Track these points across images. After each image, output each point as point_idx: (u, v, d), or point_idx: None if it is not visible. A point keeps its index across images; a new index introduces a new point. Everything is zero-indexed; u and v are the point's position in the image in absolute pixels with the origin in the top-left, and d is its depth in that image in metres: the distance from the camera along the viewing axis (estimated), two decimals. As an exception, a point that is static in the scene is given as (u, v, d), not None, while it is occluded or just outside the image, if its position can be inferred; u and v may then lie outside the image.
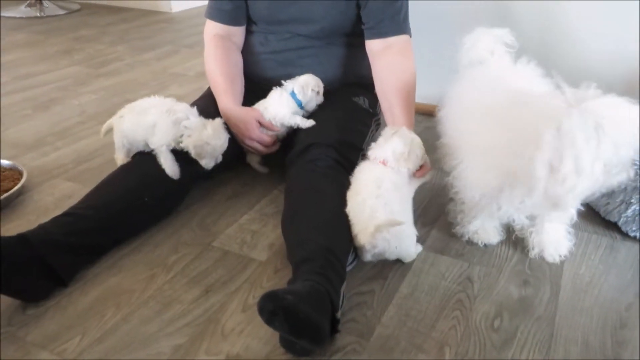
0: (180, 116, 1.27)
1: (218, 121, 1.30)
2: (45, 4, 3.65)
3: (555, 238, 1.16)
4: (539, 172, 0.89)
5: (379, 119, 1.52)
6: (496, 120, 1.02)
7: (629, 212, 1.23)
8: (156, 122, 1.26)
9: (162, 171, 1.26)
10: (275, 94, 1.40)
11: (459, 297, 1.07)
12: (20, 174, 1.48)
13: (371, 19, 1.37)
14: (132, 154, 1.34)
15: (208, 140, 1.25)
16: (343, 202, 1.14)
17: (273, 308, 0.84)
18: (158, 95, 1.36)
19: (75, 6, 3.80)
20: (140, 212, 1.23)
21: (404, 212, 1.11)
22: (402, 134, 1.18)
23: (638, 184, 1.21)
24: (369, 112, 1.47)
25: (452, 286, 1.10)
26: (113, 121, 1.35)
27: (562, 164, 0.87)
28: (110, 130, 1.37)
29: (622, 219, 1.24)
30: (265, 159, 1.51)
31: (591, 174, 0.88)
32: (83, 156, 1.64)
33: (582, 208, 1.09)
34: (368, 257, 1.13)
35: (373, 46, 1.39)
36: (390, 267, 1.15)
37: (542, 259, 1.17)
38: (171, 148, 1.27)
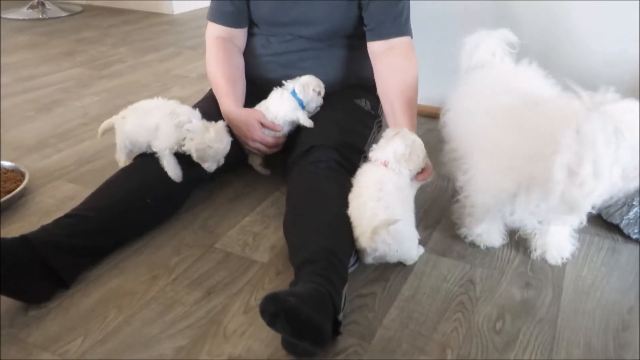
0: (183, 119, 1.27)
1: (221, 124, 1.30)
2: (48, 6, 3.66)
3: (558, 240, 1.15)
4: (557, 175, 0.88)
5: (380, 121, 1.52)
6: (510, 123, 1.01)
7: (631, 214, 1.23)
8: (159, 125, 1.26)
9: (164, 173, 1.26)
10: (276, 94, 1.40)
11: (461, 299, 1.07)
12: (23, 175, 1.48)
13: (373, 20, 1.38)
14: (133, 156, 1.34)
15: (210, 144, 1.25)
16: (345, 204, 1.14)
17: (275, 310, 0.84)
18: (160, 97, 1.36)
19: (78, 8, 3.81)
20: (142, 213, 1.23)
21: (406, 215, 1.11)
22: (403, 135, 1.18)
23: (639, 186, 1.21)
24: (370, 114, 1.47)
25: (454, 288, 1.10)
26: (114, 121, 1.35)
27: (581, 167, 0.86)
28: (107, 131, 1.37)
29: (624, 222, 1.24)
30: (267, 160, 1.52)
31: (609, 178, 0.87)
32: (85, 158, 1.65)
33: (592, 212, 1.08)
34: (369, 260, 1.13)
35: (375, 48, 1.40)
36: (392, 270, 1.15)
37: (544, 261, 1.17)
38: (174, 151, 1.27)
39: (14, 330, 0.99)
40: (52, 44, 2.93)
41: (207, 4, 1.53)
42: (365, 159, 1.35)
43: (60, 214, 1.15)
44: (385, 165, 1.15)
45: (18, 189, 1.40)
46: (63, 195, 1.44)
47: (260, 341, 0.97)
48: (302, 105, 1.39)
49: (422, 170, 1.21)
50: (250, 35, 1.51)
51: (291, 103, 1.37)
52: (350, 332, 0.98)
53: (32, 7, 3.63)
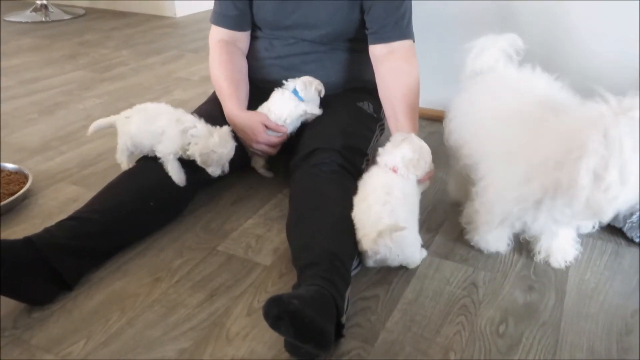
0: (188, 125, 1.28)
1: (225, 129, 1.30)
2: (51, 8, 3.67)
3: (562, 244, 1.15)
4: (583, 180, 0.87)
5: (383, 124, 1.52)
6: (531, 128, 1.00)
7: (634, 217, 1.23)
8: (164, 130, 1.27)
9: (167, 176, 1.27)
10: (276, 95, 1.41)
11: (464, 303, 1.06)
12: (26, 177, 1.48)
13: (375, 24, 1.38)
14: (134, 159, 1.34)
15: (214, 148, 1.26)
16: (348, 207, 1.14)
17: (278, 312, 0.84)
18: (163, 100, 1.37)
19: (80, 11, 3.82)
20: (145, 216, 1.24)
21: (410, 221, 1.11)
22: (411, 141, 1.18)
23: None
24: (373, 117, 1.48)
25: (457, 291, 1.10)
26: (115, 121, 1.35)
27: (607, 172, 0.85)
28: (99, 130, 1.36)
29: (627, 225, 1.24)
30: (270, 163, 1.52)
31: (635, 184, 0.86)
32: (88, 160, 1.65)
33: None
34: (370, 263, 1.13)
35: (376, 51, 1.40)
36: (395, 272, 1.15)
37: (547, 264, 1.17)
38: (178, 156, 1.27)
39: (17, 332, 1.00)
40: (54, 47, 2.94)
41: (210, 7, 1.54)
42: (368, 161, 1.36)
43: (63, 216, 1.16)
44: (395, 171, 1.14)
45: (21, 191, 1.40)
46: (66, 198, 1.44)
47: (263, 344, 0.97)
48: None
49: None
50: (253, 38, 1.52)
51: (293, 103, 1.38)
52: (353, 334, 0.98)
53: (35, 10, 3.64)
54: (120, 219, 1.18)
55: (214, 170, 1.30)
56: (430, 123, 1.80)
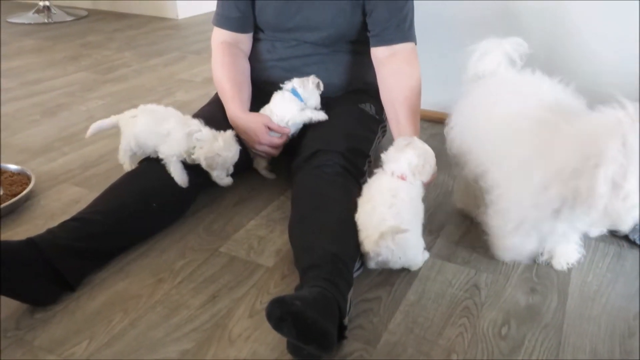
0: (193, 129, 1.29)
1: (229, 133, 1.31)
2: (53, 10, 3.68)
3: (565, 246, 1.15)
4: (601, 188, 0.85)
5: (385, 126, 1.52)
6: (545, 136, 0.98)
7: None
8: (171, 132, 1.27)
9: (170, 177, 1.27)
10: (277, 96, 1.41)
11: (466, 305, 1.06)
12: (29, 178, 1.48)
13: (376, 26, 1.38)
14: (137, 160, 1.34)
15: (219, 152, 1.27)
16: (350, 208, 1.14)
17: (281, 314, 0.84)
18: (165, 101, 1.37)
19: (83, 13, 3.83)
20: (148, 217, 1.24)
21: (414, 224, 1.11)
22: (415, 146, 1.17)
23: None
24: (375, 119, 1.48)
25: (459, 293, 1.10)
26: (119, 120, 1.35)
27: (625, 180, 0.84)
28: (101, 131, 1.36)
29: (629, 227, 1.24)
30: (272, 164, 1.52)
31: None
32: (90, 161, 1.65)
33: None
34: (372, 265, 1.13)
35: (378, 53, 1.40)
36: (397, 274, 1.15)
37: (549, 266, 1.17)
38: (181, 159, 1.28)
39: (19, 333, 1.00)
40: (57, 48, 2.95)
41: (212, 9, 1.54)
42: (370, 163, 1.36)
43: (65, 217, 1.16)
44: (403, 178, 1.14)
45: (24, 192, 1.40)
46: (68, 199, 1.45)
47: (265, 345, 0.97)
48: (304, 102, 1.40)
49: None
50: (255, 40, 1.52)
51: (295, 104, 1.38)
52: (355, 336, 0.98)
53: (37, 11, 3.65)
54: (122, 220, 1.18)
55: (219, 174, 1.31)
56: (432, 125, 1.81)
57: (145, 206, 1.22)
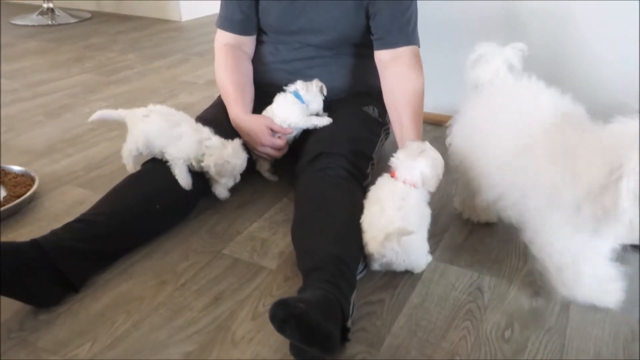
0: (204, 136, 1.30)
1: (237, 142, 1.33)
2: (57, 12, 3.69)
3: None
4: (624, 202, 0.83)
5: (388, 128, 1.52)
6: (565, 153, 0.94)
7: None
8: (183, 136, 1.28)
9: (173, 180, 1.27)
10: (280, 98, 1.42)
11: (470, 308, 1.06)
12: (33, 180, 1.49)
13: (380, 29, 1.39)
14: (140, 161, 1.34)
15: (229, 159, 1.28)
16: (353, 210, 1.14)
17: (285, 316, 0.84)
18: (169, 103, 1.37)
19: (86, 15, 3.84)
20: (151, 219, 1.24)
21: (420, 227, 1.11)
22: (428, 155, 1.16)
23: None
24: (378, 122, 1.48)
25: (462, 296, 1.09)
26: (126, 117, 1.34)
27: None
28: (103, 120, 1.36)
29: (633, 231, 1.23)
30: (275, 167, 1.52)
31: None
32: (94, 163, 1.66)
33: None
34: (376, 266, 1.13)
35: (382, 57, 1.40)
36: (400, 277, 1.15)
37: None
38: (187, 164, 1.28)
39: (23, 334, 1.00)
40: (61, 50, 2.96)
41: (215, 11, 1.54)
42: (373, 166, 1.36)
43: (69, 218, 1.16)
44: (415, 186, 1.14)
45: (28, 194, 1.41)
46: (72, 200, 1.45)
47: (268, 347, 0.97)
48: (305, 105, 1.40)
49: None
50: (259, 42, 1.52)
51: (297, 107, 1.38)
52: (358, 339, 0.98)
53: (41, 13, 3.67)
54: (126, 221, 1.18)
55: (227, 182, 1.33)
56: (435, 128, 1.81)
57: (149, 208, 1.22)
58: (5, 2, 4.25)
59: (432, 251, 1.21)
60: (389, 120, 1.46)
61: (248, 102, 1.45)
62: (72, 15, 3.73)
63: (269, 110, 1.42)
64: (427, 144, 1.20)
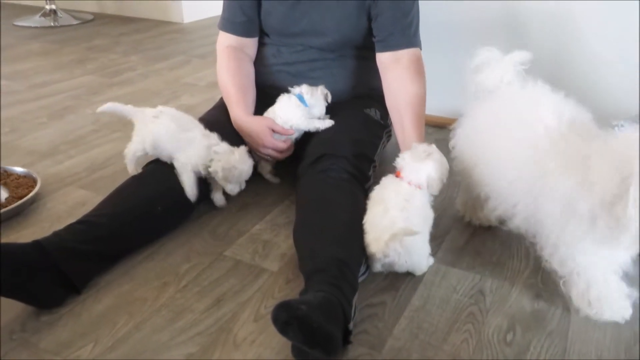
0: (213, 142, 1.31)
1: (243, 148, 1.34)
2: (60, 14, 3.70)
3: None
4: (631, 211, 0.82)
5: (390, 131, 1.53)
6: (577, 164, 0.93)
7: None
8: (193, 141, 1.29)
9: (175, 181, 1.27)
10: (283, 99, 1.42)
11: (471, 310, 1.06)
12: (35, 181, 1.49)
13: (382, 32, 1.39)
14: (142, 164, 1.34)
15: (236, 165, 1.29)
16: (355, 212, 1.14)
17: (287, 318, 0.85)
18: (171, 105, 1.37)
19: (89, 16, 3.85)
20: (153, 221, 1.24)
21: (422, 229, 1.11)
22: (435, 159, 1.17)
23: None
24: (380, 124, 1.48)
25: (464, 299, 1.09)
26: (134, 116, 1.34)
27: None
28: (111, 113, 1.35)
29: (635, 234, 1.23)
30: (277, 169, 1.52)
31: None
32: (96, 164, 1.66)
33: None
34: (378, 267, 1.13)
35: (383, 59, 1.40)
36: (402, 279, 1.15)
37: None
38: (195, 170, 1.29)
39: (25, 335, 1.00)
40: (63, 52, 2.97)
41: (217, 13, 1.55)
42: (375, 168, 1.36)
43: (71, 219, 1.16)
44: (419, 188, 1.14)
45: (30, 195, 1.41)
46: (74, 201, 1.45)
47: (270, 349, 0.97)
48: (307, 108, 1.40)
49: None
50: (261, 44, 1.53)
51: (300, 109, 1.39)
52: (360, 341, 0.98)
53: (44, 15, 3.68)
54: (128, 223, 1.18)
55: (233, 188, 1.33)
56: (437, 130, 1.81)
57: (151, 210, 1.23)
58: (7, 4, 4.26)
59: (434, 253, 1.21)
60: (391, 123, 1.46)
61: (250, 103, 1.45)
62: (75, 17, 3.74)
63: (271, 111, 1.42)
64: (434, 147, 1.20)
